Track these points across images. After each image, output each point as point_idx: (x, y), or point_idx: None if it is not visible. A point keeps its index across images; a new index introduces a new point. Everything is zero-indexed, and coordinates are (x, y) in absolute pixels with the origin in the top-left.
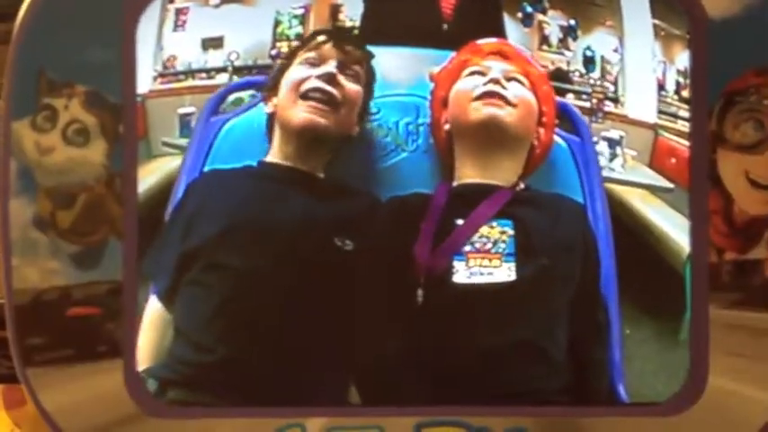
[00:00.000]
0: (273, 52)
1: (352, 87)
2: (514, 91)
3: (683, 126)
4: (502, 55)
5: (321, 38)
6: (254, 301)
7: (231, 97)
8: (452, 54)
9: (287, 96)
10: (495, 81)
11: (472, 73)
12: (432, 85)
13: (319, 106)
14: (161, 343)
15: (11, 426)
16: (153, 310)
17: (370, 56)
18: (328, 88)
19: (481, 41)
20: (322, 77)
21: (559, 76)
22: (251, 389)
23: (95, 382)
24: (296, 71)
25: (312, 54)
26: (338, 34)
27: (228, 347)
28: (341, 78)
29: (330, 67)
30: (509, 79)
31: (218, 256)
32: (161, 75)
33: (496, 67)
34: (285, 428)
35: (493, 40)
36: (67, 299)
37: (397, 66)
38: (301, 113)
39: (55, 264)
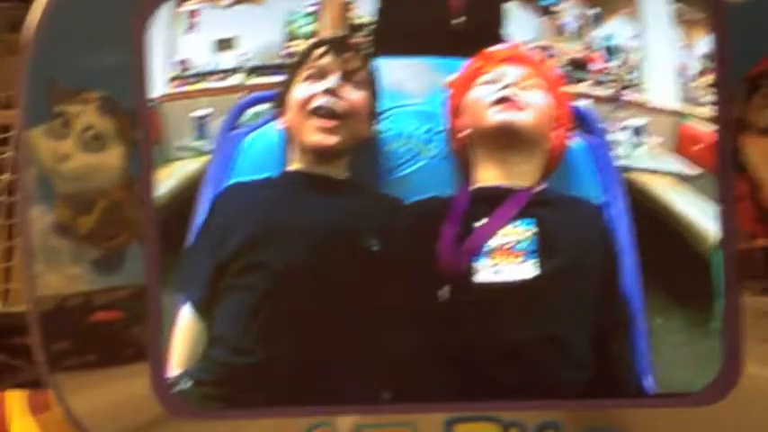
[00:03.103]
0: (286, 52)
1: (358, 95)
2: (529, 95)
3: (707, 112)
4: (515, 60)
5: (320, 51)
6: (289, 298)
7: (251, 111)
8: (466, 62)
9: (296, 116)
10: (510, 86)
11: (487, 80)
12: (447, 93)
13: (328, 124)
14: (196, 349)
15: (37, 430)
16: (187, 318)
17: (369, 58)
18: (332, 104)
19: (493, 48)
20: (326, 93)
21: (578, 65)
22: (283, 388)
23: (122, 385)
24: (300, 89)
25: (313, 69)
26: (336, 44)
27: (265, 347)
28: (345, 90)
29: (332, 81)
30: (523, 84)
31: (252, 258)
32: (175, 78)
33: (510, 73)
34: (315, 427)
35: (505, 46)
36: (91, 304)
37: (410, 76)
38: (312, 135)
39: (77, 269)
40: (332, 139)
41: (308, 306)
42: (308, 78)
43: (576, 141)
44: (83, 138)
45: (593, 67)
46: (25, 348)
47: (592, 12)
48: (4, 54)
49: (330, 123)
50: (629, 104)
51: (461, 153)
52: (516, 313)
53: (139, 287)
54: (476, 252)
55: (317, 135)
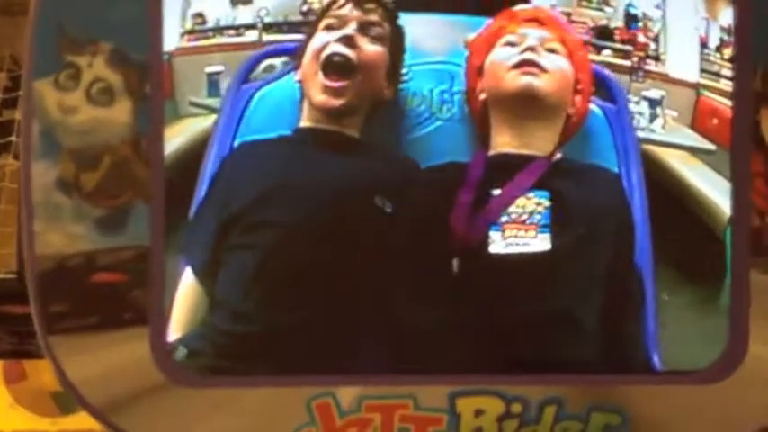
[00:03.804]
0: (305, 8)
1: (374, 49)
2: (551, 59)
3: (726, 85)
4: (538, 22)
5: (341, 1)
6: (294, 258)
7: (263, 64)
8: (487, 21)
9: (309, 66)
10: (532, 49)
11: (508, 42)
12: (467, 53)
13: (335, 84)
14: (195, 315)
15: (10, 401)
16: (188, 282)
17: (395, 14)
18: (346, 51)
19: (516, 8)
20: (340, 41)
21: (603, 33)
22: (284, 357)
23: (121, 350)
24: (318, 38)
25: (334, 18)
26: None
27: (267, 313)
28: (360, 41)
29: (349, 29)
30: (545, 47)
31: (258, 216)
32: (188, 32)
33: (532, 35)
34: (317, 397)
35: (528, 6)
36: (92, 264)
37: (430, 33)
38: (318, 95)
39: (79, 228)
40: (337, 102)
41: (314, 268)
42: (325, 28)
43: (595, 108)
44: (91, 91)
45: (615, 35)
46: (2, 317)
47: None
48: None
49: (338, 83)
50: (649, 75)
51: (479, 116)
52: (528, 286)
53: (144, 248)
54: (491, 222)
55: (322, 95)
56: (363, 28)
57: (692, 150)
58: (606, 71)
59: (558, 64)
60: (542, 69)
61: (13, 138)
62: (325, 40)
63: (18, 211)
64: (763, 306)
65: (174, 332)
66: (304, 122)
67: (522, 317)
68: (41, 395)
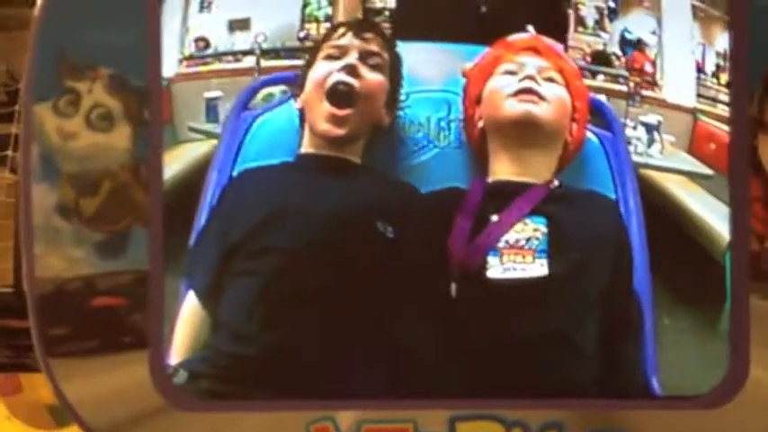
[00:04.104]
0: (302, 34)
1: (375, 78)
2: (549, 87)
3: (723, 111)
4: (535, 51)
5: (342, 30)
6: (297, 282)
7: (261, 93)
8: (485, 50)
9: (313, 94)
10: (530, 78)
11: (506, 70)
12: (464, 82)
13: (339, 113)
14: (197, 338)
15: (6, 413)
16: (190, 306)
17: (394, 44)
18: (350, 80)
19: (514, 37)
20: (343, 69)
21: (600, 58)
22: (284, 381)
23: (120, 373)
24: (319, 67)
25: (334, 48)
26: (359, 25)
27: (269, 334)
28: (362, 70)
29: (351, 58)
30: (543, 76)
31: (261, 241)
32: (187, 58)
33: (530, 64)
34: (316, 421)
35: (525, 35)
36: (92, 288)
37: (428, 61)
38: (322, 123)
39: (79, 252)
40: (340, 131)
41: (316, 292)
42: (326, 58)
43: (591, 136)
44: (90, 116)
45: (612, 61)
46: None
47: (611, 3)
48: None
49: (341, 112)
50: (645, 100)
51: (476, 143)
52: (525, 311)
53: (143, 272)
54: (489, 248)
55: (326, 123)
56: (364, 57)
57: (690, 175)
58: (602, 99)
59: (556, 92)
60: (541, 97)
61: (8, 152)
62: (327, 70)
63: (15, 226)
64: (764, 331)
65: (176, 356)
66: (305, 149)
67: (521, 341)
68: (37, 408)
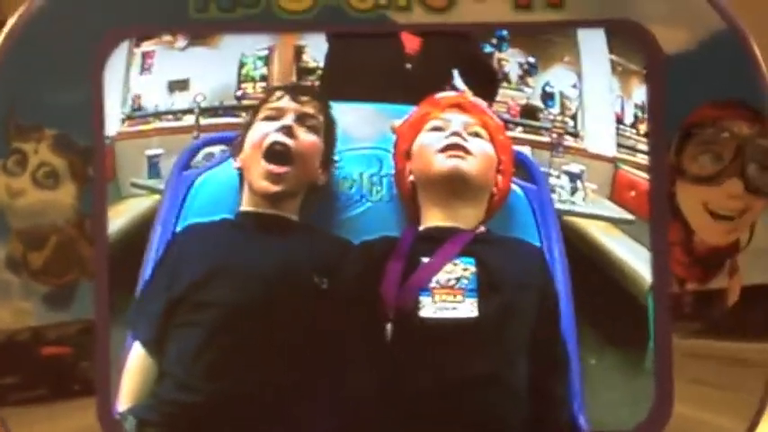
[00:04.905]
0: (239, 93)
1: (310, 139)
2: (475, 142)
3: (642, 159)
4: (460, 107)
5: (279, 93)
6: (239, 335)
7: (202, 152)
8: (413, 108)
9: (250, 154)
10: (457, 134)
11: (434, 127)
12: (394, 138)
13: (277, 170)
14: (145, 386)
15: None
16: (137, 355)
17: (328, 105)
18: (286, 140)
19: (440, 95)
20: (280, 130)
21: (527, 111)
22: (230, 428)
23: (70, 420)
24: (257, 128)
25: (272, 110)
26: (296, 88)
27: (212, 384)
28: (298, 131)
29: (288, 120)
30: (469, 131)
31: (203, 296)
32: (129, 117)
33: (456, 120)
34: None
35: (451, 93)
36: (40, 339)
37: (360, 121)
38: (259, 180)
39: (27, 304)
40: (277, 187)
41: (256, 344)
42: (264, 119)
43: (516, 187)
44: (37, 175)
45: (535, 113)
46: None
47: (532, 59)
48: None
49: (279, 169)
50: (568, 150)
51: (407, 196)
52: (459, 352)
53: (89, 322)
54: (421, 287)
55: (263, 181)
56: (300, 119)
57: (612, 221)
58: (526, 153)
59: (481, 147)
60: (467, 152)
61: None
62: (265, 131)
63: None
64: (686, 368)
65: (124, 402)
66: (245, 206)
67: (456, 382)
68: None
